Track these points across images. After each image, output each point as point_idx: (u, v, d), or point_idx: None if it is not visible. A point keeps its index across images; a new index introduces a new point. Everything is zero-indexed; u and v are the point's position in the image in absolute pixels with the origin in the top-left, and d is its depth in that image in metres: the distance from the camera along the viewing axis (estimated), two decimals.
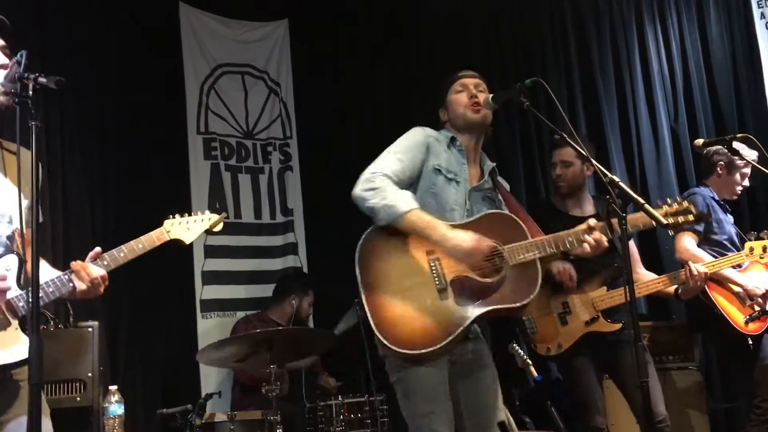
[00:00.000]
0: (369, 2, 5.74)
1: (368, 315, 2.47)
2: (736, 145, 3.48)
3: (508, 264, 2.50)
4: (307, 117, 5.86)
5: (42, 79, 1.91)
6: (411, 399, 2.52)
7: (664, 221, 2.35)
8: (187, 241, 2.44)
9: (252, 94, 5.74)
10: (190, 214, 2.48)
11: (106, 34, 4.94)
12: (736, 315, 3.64)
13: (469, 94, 2.75)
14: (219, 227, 2.53)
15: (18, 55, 2.00)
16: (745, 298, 3.63)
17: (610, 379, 3.59)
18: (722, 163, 3.87)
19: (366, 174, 2.58)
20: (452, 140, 2.76)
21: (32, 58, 1.99)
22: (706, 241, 3.79)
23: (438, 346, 2.42)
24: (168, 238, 2.38)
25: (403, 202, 2.51)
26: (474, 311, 2.47)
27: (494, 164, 2.85)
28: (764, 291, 3.62)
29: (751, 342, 3.62)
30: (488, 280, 2.51)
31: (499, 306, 2.48)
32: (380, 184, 2.54)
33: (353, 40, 5.91)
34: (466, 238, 2.46)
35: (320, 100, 5.80)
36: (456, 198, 2.67)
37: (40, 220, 2.30)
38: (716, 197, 3.88)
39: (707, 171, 3.96)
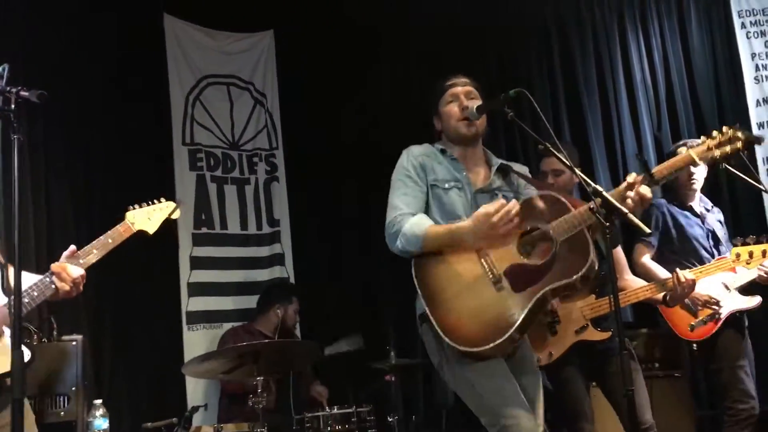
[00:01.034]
0: (354, 15, 5.75)
1: (435, 326, 2.47)
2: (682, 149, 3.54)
3: (556, 241, 2.49)
4: (293, 128, 5.86)
5: (24, 93, 1.91)
6: (477, 388, 2.50)
7: (647, 230, 2.37)
8: (151, 232, 2.50)
9: (237, 105, 5.73)
10: (148, 204, 2.53)
11: (91, 44, 4.93)
12: (680, 321, 3.68)
13: (461, 105, 2.74)
14: (176, 214, 2.59)
15: (0, 69, 2.00)
16: (691, 304, 3.65)
17: (597, 387, 3.59)
18: None
19: (386, 230, 2.63)
20: (443, 152, 2.76)
21: (16, 69, 1.99)
22: (670, 250, 3.83)
23: (507, 335, 2.40)
24: (134, 230, 2.44)
25: (418, 227, 2.56)
26: (533, 294, 2.45)
27: (501, 161, 2.82)
28: (707, 297, 3.63)
29: (695, 347, 3.67)
30: (540, 261, 2.50)
31: (557, 284, 2.44)
32: (397, 227, 2.59)
33: (339, 51, 5.92)
34: (481, 210, 2.43)
35: (306, 111, 5.81)
36: (460, 205, 2.67)
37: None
38: (679, 204, 3.91)
39: None
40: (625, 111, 5.34)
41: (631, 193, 2.44)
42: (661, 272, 3.72)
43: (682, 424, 4.21)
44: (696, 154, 2.47)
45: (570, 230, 2.48)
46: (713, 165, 2.53)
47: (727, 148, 2.44)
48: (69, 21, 4.83)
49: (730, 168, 3.49)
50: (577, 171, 2.45)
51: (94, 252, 2.28)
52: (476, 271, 2.52)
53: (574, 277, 2.42)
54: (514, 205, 2.43)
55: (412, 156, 2.74)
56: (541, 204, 2.58)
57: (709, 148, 2.47)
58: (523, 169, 2.86)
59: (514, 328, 2.40)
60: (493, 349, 2.42)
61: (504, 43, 5.68)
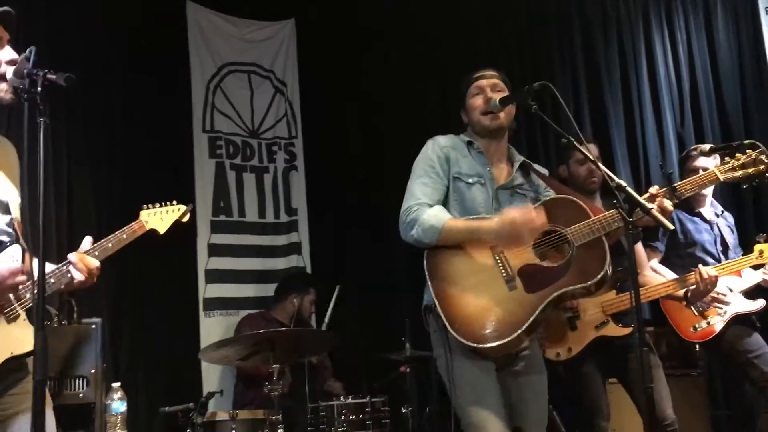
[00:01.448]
0: (375, 3, 5.74)
1: (444, 320, 2.46)
2: (693, 154, 3.69)
3: (574, 245, 2.49)
4: (313, 117, 5.86)
5: (51, 76, 1.91)
6: (464, 387, 2.51)
7: (671, 226, 2.35)
8: (161, 231, 2.57)
9: (258, 93, 5.75)
10: (162, 205, 2.61)
11: (114, 31, 4.95)
12: (683, 322, 3.66)
13: (485, 98, 2.72)
14: (186, 218, 2.65)
15: (27, 51, 2.01)
16: (699, 305, 3.61)
17: (617, 382, 3.57)
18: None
19: (401, 215, 2.62)
20: (469, 144, 2.75)
21: (41, 54, 2.00)
22: (676, 255, 3.80)
23: (515, 335, 2.40)
24: (146, 228, 2.51)
25: (436, 219, 2.54)
26: (545, 296, 2.45)
27: (523, 158, 2.80)
28: (715, 294, 3.56)
29: (698, 348, 3.65)
30: (555, 264, 2.50)
31: (570, 288, 2.45)
32: (413, 215, 2.58)
33: (359, 41, 5.91)
34: (506, 216, 2.44)
35: (326, 100, 5.81)
36: (481, 200, 2.65)
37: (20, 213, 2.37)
38: (688, 209, 3.88)
39: None
40: (648, 107, 5.27)
41: (652, 205, 2.43)
42: (670, 275, 3.68)
43: (698, 423, 4.18)
44: (720, 173, 2.57)
45: (589, 235, 2.49)
46: (738, 184, 2.64)
47: (750, 170, 2.55)
48: (91, 9, 4.85)
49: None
50: (601, 166, 2.43)
51: (109, 246, 2.32)
52: (490, 267, 2.52)
53: (589, 282, 2.44)
54: (541, 216, 2.42)
55: (438, 146, 2.72)
56: (561, 207, 2.58)
57: (733, 168, 2.57)
58: (544, 171, 2.86)
59: (523, 328, 2.40)
60: (498, 348, 2.42)
61: (527, 36, 5.63)
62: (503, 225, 2.43)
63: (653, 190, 2.52)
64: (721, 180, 2.57)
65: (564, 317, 3.39)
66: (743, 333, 3.67)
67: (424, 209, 2.58)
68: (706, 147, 3.61)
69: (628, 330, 3.34)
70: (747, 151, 2.56)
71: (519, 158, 2.80)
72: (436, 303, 2.49)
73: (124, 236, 2.39)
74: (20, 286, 2.10)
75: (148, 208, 2.58)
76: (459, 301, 2.49)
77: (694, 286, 3.46)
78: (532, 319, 2.41)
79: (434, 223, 2.54)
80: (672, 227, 2.39)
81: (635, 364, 3.20)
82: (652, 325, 4.47)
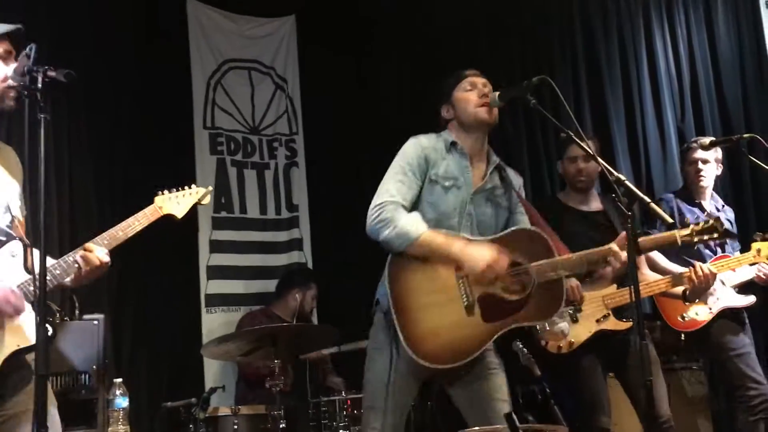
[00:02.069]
0: (376, 1, 5.74)
1: (398, 331, 2.49)
2: (693, 146, 3.78)
3: (535, 281, 2.53)
4: (314, 113, 5.87)
5: (51, 72, 1.92)
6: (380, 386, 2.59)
7: (670, 220, 2.36)
8: (179, 216, 2.49)
9: (258, 89, 5.75)
10: (178, 189, 2.53)
11: (113, 28, 4.96)
12: (672, 310, 3.69)
13: (480, 93, 2.71)
14: (207, 200, 2.59)
15: (27, 49, 2.02)
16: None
17: (614, 378, 3.58)
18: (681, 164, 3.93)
19: (373, 208, 2.60)
20: (453, 145, 2.72)
21: (42, 51, 2.01)
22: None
23: (463, 361, 2.49)
24: (161, 213, 2.43)
25: (413, 227, 2.53)
26: (499, 328, 2.52)
27: (499, 160, 2.80)
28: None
29: (683, 338, 3.69)
30: (515, 297, 2.54)
31: (523, 323, 2.56)
32: (388, 214, 2.55)
33: (360, 37, 5.91)
34: (484, 254, 2.47)
35: (326, 97, 5.81)
36: (455, 204, 2.65)
37: (24, 213, 2.34)
38: (687, 199, 3.89)
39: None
40: (649, 101, 5.27)
41: (618, 252, 2.61)
42: (669, 265, 3.69)
43: (699, 418, 4.19)
44: (679, 236, 2.79)
45: (551, 274, 2.54)
46: (690, 246, 2.93)
47: (705, 237, 2.77)
48: (92, 4, 4.86)
49: (756, 160, 3.48)
50: (600, 160, 2.44)
51: (119, 234, 2.28)
52: (452, 290, 2.54)
53: (544, 321, 2.63)
54: (504, 261, 2.48)
55: (420, 147, 2.70)
56: (528, 240, 2.61)
57: (692, 232, 2.78)
58: (518, 181, 2.90)
59: (474, 355, 2.50)
60: (446, 370, 2.51)
61: (527, 31, 5.63)
62: (474, 261, 2.47)
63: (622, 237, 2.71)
64: (679, 242, 2.80)
65: (566, 311, 3.40)
66: (730, 329, 3.69)
67: (401, 211, 2.56)
68: (706, 140, 3.61)
69: (628, 324, 3.35)
70: (706, 219, 2.84)
71: (495, 159, 2.80)
72: (393, 313, 2.50)
73: (136, 223, 2.33)
74: (18, 280, 2.08)
75: (162, 193, 2.50)
76: (416, 316, 2.51)
77: (692, 283, 3.47)
78: (482, 349, 2.52)
79: (410, 231, 2.52)
80: (671, 221, 2.40)
81: (634, 361, 3.22)
82: (652, 320, 4.48)
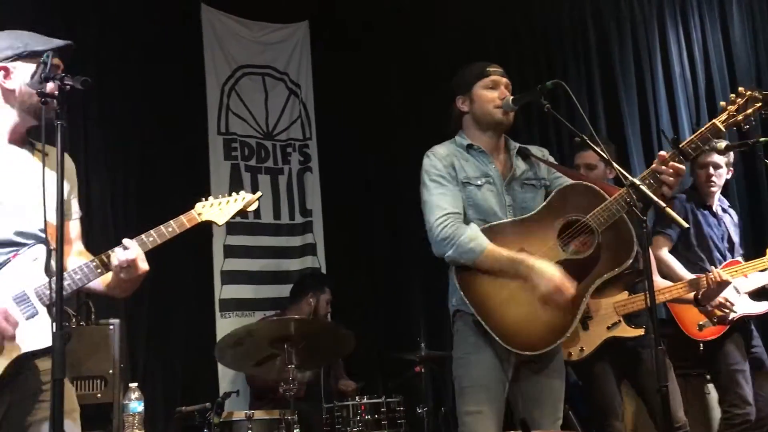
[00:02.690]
0: (389, 6, 5.75)
1: (490, 331, 2.48)
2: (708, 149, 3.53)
3: (598, 231, 2.48)
4: (327, 118, 5.89)
5: (68, 80, 1.94)
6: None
7: (685, 224, 2.34)
8: (220, 222, 2.36)
9: (272, 95, 5.78)
10: (223, 196, 2.41)
11: (128, 34, 5.00)
12: (689, 319, 3.64)
13: (501, 94, 2.68)
14: (254, 206, 2.42)
15: (44, 56, 2.04)
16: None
17: (628, 384, 3.56)
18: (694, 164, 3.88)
19: (434, 226, 2.57)
20: (469, 147, 2.71)
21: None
22: (685, 247, 3.77)
23: (568, 332, 2.46)
24: (199, 220, 2.32)
25: (476, 244, 2.51)
26: (585, 289, 2.47)
27: (518, 145, 2.78)
28: (723, 299, 3.53)
29: (702, 348, 3.62)
30: (585, 255, 2.50)
31: (606, 275, 2.48)
32: (449, 231, 2.54)
33: (372, 43, 5.92)
34: (553, 274, 2.43)
35: (340, 102, 5.83)
36: (493, 200, 2.63)
37: (80, 214, 2.38)
38: (698, 203, 3.86)
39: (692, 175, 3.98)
40: (664, 105, 5.24)
41: (665, 168, 2.42)
42: (682, 270, 3.66)
43: (709, 424, 4.15)
44: (720, 122, 2.47)
45: (610, 219, 2.47)
46: (739, 129, 2.53)
47: (749, 110, 2.46)
48: (106, 12, 4.90)
49: None
50: (615, 164, 2.42)
51: (150, 239, 2.21)
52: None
53: (623, 264, 2.45)
54: (570, 290, 2.42)
55: (440, 157, 2.68)
56: (576, 194, 2.56)
57: (731, 115, 2.47)
58: (543, 152, 2.81)
59: (573, 327, 2.46)
60: (550, 351, 2.49)
61: (541, 35, 5.62)
62: (547, 286, 2.42)
63: (662, 153, 2.46)
64: (722, 129, 2.48)
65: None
66: (734, 341, 3.67)
67: (461, 227, 2.55)
68: (722, 144, 3.59)
69: (640, 331, 3.33)
70: (740, 90, 2.51)
71: (515, 146, 2.77)
72: (480, 320, 2.49)
73: (170, 229, 2.24)
74: (36, 282, 2.08)
75: (206, 199, 2.37)
76: (503, 314, 2.49)
77: (705, 288, 3.44)
78: (579, 315, 2.46)
79: (473, 247, 2.50)
80: (686, 225, 2.38)
81: (649, 365, 3.19)
82: (665, 325, 4.45)
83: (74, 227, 2.40)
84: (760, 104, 2.46)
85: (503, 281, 2.51)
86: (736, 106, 2.48)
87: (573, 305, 2.45)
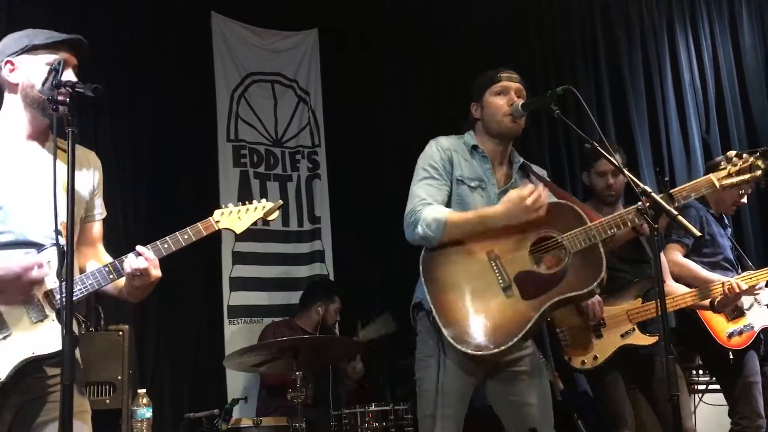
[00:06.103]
0: (398, 12, 5.76)
1: (438, 322, 2.47)
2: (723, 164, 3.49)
3: (570, 252, 2.48)
4: (336, 125, 5.90)
5: (79, 87, 1.95)
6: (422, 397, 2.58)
7: (697, 233, 2.33)
8: (238, 231, 2.33)
9: (281, 102, 5.79)
10: (243, 203, 2.37)
11: (138, 42, 5.02)
12: (719, 328, 3.61)
13: (510, 100, 2.67)
14: (274, 215, 2.39)
15: (55, 63, 2.05)
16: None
17: (639, 392, 3.54)
18: None
19: (406, 217, 2.60)
20: (474, 148, 2.71)
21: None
22: (699, 255, 3.74)
23: (514, 341, 2.42)
24: (216, 228, 2.28)
25: (438, 212, 2.53)
26: (542, 304, 2.45)
27: (522, 160, 2.78)
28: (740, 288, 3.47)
29: (732, 357, 3.58)
30: (551, 271, 2.49)
31: (567, 295, 2.46)
32: (415, 214, 2.56)
33: (382, 50, 5.94)
34: (515, 200, 2.44)
35: (349, 109, 5.84)
36: (482, 204, 2.63)
37: (104, 215, 2.39)
38: (712, 211, 3.83)
39: None
40: (673, 113, 5.23)
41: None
42: (703, 272, 3.63)
43: None
44: (716, 179, 2.51)
45: (585, 242, 2.47)
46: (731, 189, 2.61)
47: (746, 176, 2.48)
48: (115, 18, 4.93)
49: None
50: (626, 171, 2.42)
51: (165, 246, 2.19)
52: (486, 274, 2.51)
53: (585, 290, 2.44)
54: (543, 190, 2.45)
55: (441, 148, 2.70)
56: (558, 212, 2.56)
57: (729, 174, 2.50)
58: (542, 173, 2.82)
59: (520, 335, 2.42)
60: (497, 354, 2.44)
61: (550, 42, 5.62)
62: (511, 203, 2.45)
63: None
64: (718, 187, 2.51)
65: (590, 325, 3.36)
66: (755, 355, 3.66)
67: (427, 206, 2.56)
68: (732, 153, 3.55)
69: (653, 339, 3.31)
70: (744, 156, 2.51)
71: (519, 159, 2.77)
72: (432, 308, 2.49)
73: (186, 236, 2.20)
74: (37, 282, 2.05)
75: (225, 206, 2.33)
76: (457, 309, 2.48)
77: (721, 296, 3.42)
78: (529, 326, 2.43)
79: (437, 216, 2.52)
80: (699, 234, 2.37)
81: (659, 374, 3.17)
82: (676, 334, 4.42)
83: (96, 228, 2.40)
84: (761, 173, 2.47)
85: (468, 275, 2.50)
86: (737, 168, 2.50)
87: (527, 315, 2.43)
